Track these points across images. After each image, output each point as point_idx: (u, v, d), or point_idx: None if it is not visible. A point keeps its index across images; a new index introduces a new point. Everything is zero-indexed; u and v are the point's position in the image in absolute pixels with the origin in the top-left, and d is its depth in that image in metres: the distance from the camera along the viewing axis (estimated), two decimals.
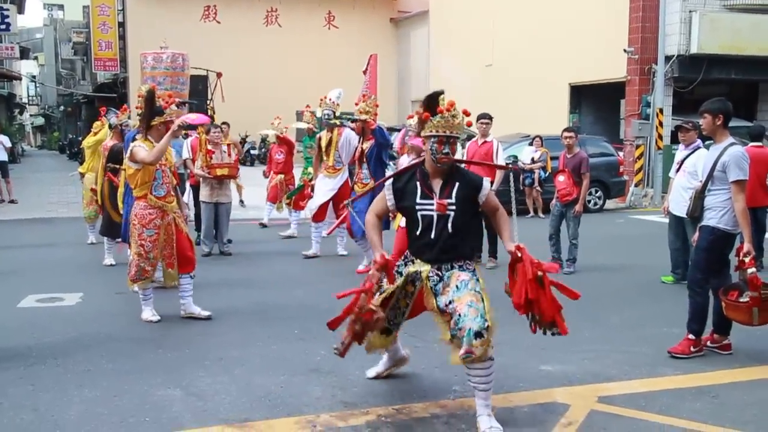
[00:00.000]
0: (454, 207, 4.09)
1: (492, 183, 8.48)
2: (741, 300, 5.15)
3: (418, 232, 4.17)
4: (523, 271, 4.03)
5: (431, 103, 4.10)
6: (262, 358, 5.27)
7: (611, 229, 12.73)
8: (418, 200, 4.15)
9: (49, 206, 15.57)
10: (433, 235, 4.12)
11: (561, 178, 8.65)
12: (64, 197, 17.33)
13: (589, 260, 8.88)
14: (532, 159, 14.26)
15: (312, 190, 9.62)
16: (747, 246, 5.08)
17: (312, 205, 9.49)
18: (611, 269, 8.85)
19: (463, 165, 4.43)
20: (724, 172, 5.18)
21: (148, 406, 4.35)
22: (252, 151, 27.15)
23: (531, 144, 14.58)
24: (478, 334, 3.80)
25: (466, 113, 4.21)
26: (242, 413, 4.26)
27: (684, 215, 6.74)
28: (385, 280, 4.15)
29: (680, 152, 7.76)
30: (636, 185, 16.96)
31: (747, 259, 5.06)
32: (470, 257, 4.23)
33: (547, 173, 13.98)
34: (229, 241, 9.69)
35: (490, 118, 8.90)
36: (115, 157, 8.10)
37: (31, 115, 69.52)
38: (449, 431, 4.04)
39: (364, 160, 8.32)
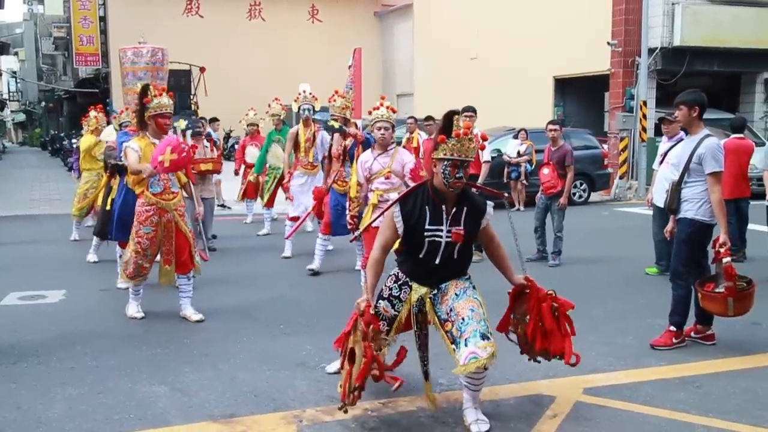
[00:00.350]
0: (463, 233, 3.95)
1: (477, 177, 8.68)
2: (716, 291, 5.19)
3: (420, 256, 3.98)
4: (537, 304, 4.04)
5: (447, 123, 3.85)
6: (247, 354, 5.25)
7: (596, 222, 12.80)
8: (427, 225, 3.91)
9: (31, 203, 15.44)
10: (438, 261, 3.96)
11: (545, 170, 8.67)
12: (46, 194, 17.19)
13: (574, 253, 8.92)
14: (518, 152, 14.28)
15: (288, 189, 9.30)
16: (723, 237, 5.12)
17: (296, 211, 9.02)
18: (596, 261, 8.90)
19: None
20: (700, 164, 5.22)
21: (133, 403, 4.33)
22: (236, 146, 27.02)
23: (516, 137, 14.60)
24: (484, 336, 3.74)
25: (485, 137, 4.14)
26: (228, 409, 4.24)
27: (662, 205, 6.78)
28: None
29: (664, 144, 7.79)
30: (620, 177, 17.04)
31: (722, 250, 5.10)
32: (466, 272, 4.15)
33: (533, 166, 14.02)
34: (214, 237, 9.64)
35: (474, 111, 8.87)
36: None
37: (12, 111, 68.77)
38: (435, 424, 4.04)
39: (347, 157, 8.03)
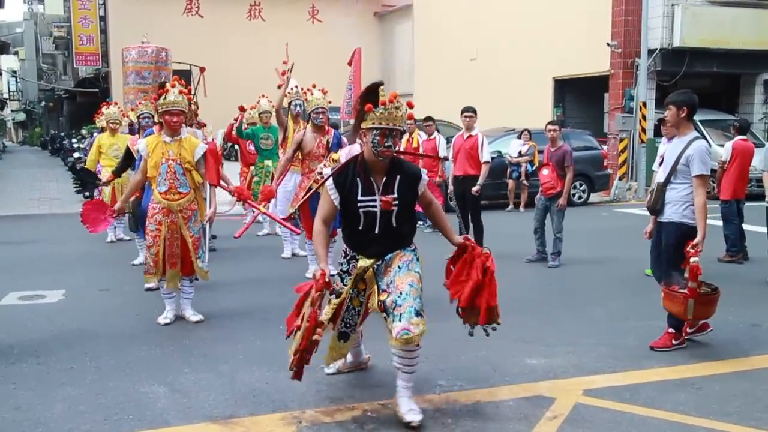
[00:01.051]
0: (397, 202, 4.03)
1: (477, 178, 8.68)
2: (679, 291, 5.10)
3: (360, 228, 4.08)
4: (472, 260, 4.15)
5: (371, 95, 3.99)
6: (246, 355, 5.25)
7: (595, 223, 12.80)
8: (359, 196, 4.02)
9: (31, 203, 15.42)
10: (377, 231, 4.05)
11: (545, 171, 8.67)
12: (46, 194, 17.17)
13: (574, 253, 8.91)
14: (520, 152, 14.29)
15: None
16: (698, 239, 5.06)
17: (283, 212, 8.63)
18: (595, 262, 8.90)
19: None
20: (687, 166, 5.20)
21: (132, 404, 4.32)
22: (236, 146, 26.98)
23: (519, 137, 14.61)
24: (418, 313, 3.84)
25: (410, 105, 4.17)
26: (227, 409, 4.23)
27: None
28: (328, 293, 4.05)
29: (663, 145, 7.79)
30: (620, 178, 17.05)
31: (692, 250, 5.02)
32: (411, 242, 4.22)
33: (534, 167, 14.04)
34: (213, 237, 9.61)
35: (474, 111, 8.89)
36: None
37: (12, 111, 68.74)
38: (435, 425, 4.03)
39: (328, 155, 7.65)
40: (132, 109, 8.52)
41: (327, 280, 3.86)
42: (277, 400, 4.37)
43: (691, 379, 4.76)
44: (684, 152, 5.23)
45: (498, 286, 4.18)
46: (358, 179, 4.03)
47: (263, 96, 10.79)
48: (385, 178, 4.03)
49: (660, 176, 6.95)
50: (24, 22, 58.76)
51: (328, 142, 7.63)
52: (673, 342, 5.36)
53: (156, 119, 6.53)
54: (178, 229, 5.88)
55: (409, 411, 3.97)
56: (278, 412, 4.21)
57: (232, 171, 12.40)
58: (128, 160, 7.56)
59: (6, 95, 62.21)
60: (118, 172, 7.77)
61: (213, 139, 9.02)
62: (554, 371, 4.86)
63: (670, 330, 5.39)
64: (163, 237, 5.87)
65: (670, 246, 5.35)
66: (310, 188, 7.66)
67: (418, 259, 4.13)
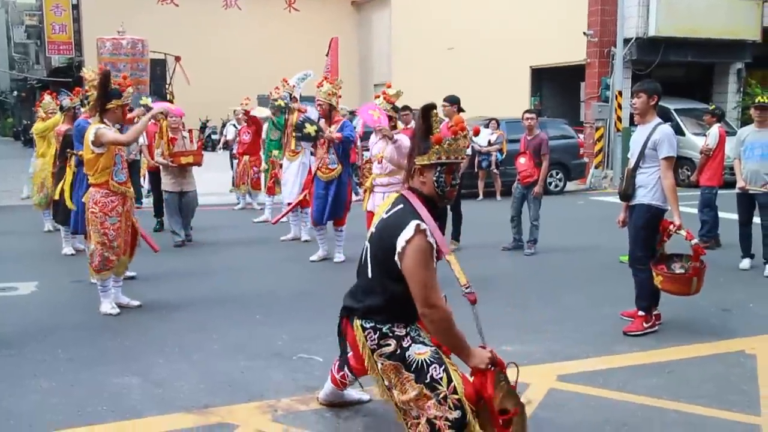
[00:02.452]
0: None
1: None
2: (677, 271, 5.34)
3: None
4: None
5: (427, 120, 3.20)
6: (222, 344, 5.22)
7: (571, 211, 12.89)
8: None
9: (3, 194, 15.18)
10: None
11: (522, 160, 8.70)
12: (19, 185, 16.88)
13: (550, 241, 8.97)
14: (489, 142, 14.33)
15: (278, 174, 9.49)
16: (678, 220, 5.27)
17: (291, 197, 9.07)
18: (571, 250, 8.96)
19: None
20: (654, 150, 5.36)
21: (106, 395, 4.28)
22: (213, 136, 26.81)
23: (487, 126, 14.64)
24: None
25: (477, 132, 3.83)
26: (202, 399, 4.21)
27: None
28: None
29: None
30: (596, 167, 17.19)
31: (684, 233, 5.24)
32: None
33: (504, 155, 14.10)
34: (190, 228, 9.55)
35: (451, 101, 8.83)
36: (69, 143, 7.63)
37: None
38: None
39: (331, 145, 7.90)
40: (70, 99, 8.46)
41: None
42: (253, 389, 4.36)
43: (663, 364, 4.82)
44: (650, 137, 5.39)
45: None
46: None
47: (276, 89, 10.84)
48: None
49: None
50: None
51: (331, 132, 7.81)
52: (645, 325, 5.45)
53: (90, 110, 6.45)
54: (130, 216, 6.02)
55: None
56: (254, 401, 4.19)
57: (212, 162, 12.40)
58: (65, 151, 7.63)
59: None
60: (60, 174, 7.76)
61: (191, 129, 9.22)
62: (529, 357, 4.89)
63: (640, 313, 5.48)
64: (124, 228, 5.91)
65: (639, 228, 5.47)
66: (316, 176, 7.99)
67: None
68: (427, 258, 2.99)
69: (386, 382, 3.15)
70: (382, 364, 3.13)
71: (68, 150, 7.59)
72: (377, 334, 3.14)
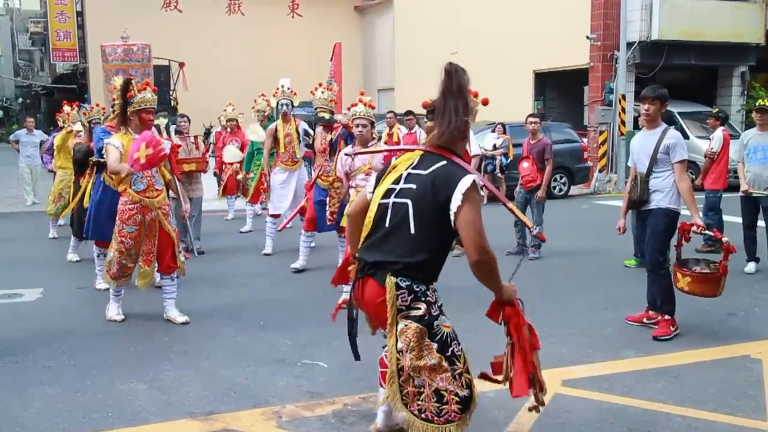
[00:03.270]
0: None
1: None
2: (702, 272, 5.37)
3: None
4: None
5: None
6: (227, 351, 5.23)
7: (576, 215, 12.88)
8: None
9: (8, 201, 15.23)
10: None
11: (525, 164, 8.70)
12: (23, 191, 16.92)
13: (554, 246, 8.94)
14: (494, 146, 14.34)
15: (267, 184, 9.15)
16: (699, 221, 5.32)
17: (277, 209, 8.90)
18: (575, 254, 8.95)
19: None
20: (667, 154, 5.40)
21: (111, 401, 4.29)
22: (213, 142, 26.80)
23: (493, 131, 14.65)
24: None
25: (486, 102, 3.89)
26: (207, 405, 4.22)
27: None
28: None
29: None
30: (600, 171, 17.15)
31: (710, 232, 5.39)
32: None
33: (509, 160, 14.10)
34: (197, 238, 9.47)
35: None
36: (83, 157, 7.52)
37: None
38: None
39: (331, 151, 7.73)
40: (84, 113, 8.43)
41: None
42: (257, 396, 4.36)
43: (668, 368, 4.81)
44: (662, 142, 5.41)
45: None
46: None
47: (262, 95, 10.75)
48: None
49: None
50: (0, 17, 57.95)
51: (330, 139, 7.70)
52: (671, 329, 5.46)
53: (109, 117, 6.44)
54: (157, 226, 5.82)
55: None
56: (258, 407, 4.20)
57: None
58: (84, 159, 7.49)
59: None
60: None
61: (195, 136, 9.05)
62: None
63: (666, 317, 5.48)
64: (142, 237, 5.79)
65: (659, 232, 5.46)
66: (316, 184, 7.84)
67: None
68: (480, 208, 3.11)
69: (401, 345, 3.10)
70: (405, 325, 3.09)
71: (90, 158, 7.58)
72: (411, 296, 3.10)
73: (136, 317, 6.07)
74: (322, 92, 8.08)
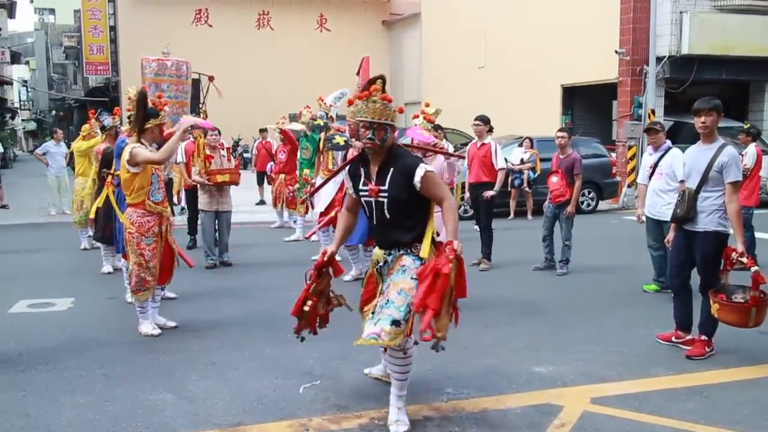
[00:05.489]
0: (386, 193, 4.05)
1: (491, 184, 8.68)
2: (736, 300, 5.13)
3: (367, 217, 4.25)
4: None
5: (367, 87, 4.13)
6: (254, 362, 5.26)
7: (604, 231, 12.76)
8: (360, 186, 4.18)
9: (41, 211, 15.51)
10: (375, 221, 4.17)
11: (554, 179, 8.66)
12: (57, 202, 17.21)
13: (582, 261, 8.89)
14: (521, 160, 14.31)
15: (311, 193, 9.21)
16: (741, 247, 5.09)
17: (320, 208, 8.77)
18: (604, 270, 8.86)
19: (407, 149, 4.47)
20: (720, 173, 5.16)
21: (140, 411, 4.33)
22: (245, 155, 27.10)
23: (521, 145, 14.63)
24: (396, 323, 3.81)
25: (387, 99, 4.11)
26: (235, 417, 4.24)
27: (665, 218, 6.61)
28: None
29: (649, 156, 7.44)
30: (629, 186, 16.98)
31: (745, 260, 5.06)
32: (410, 245, 4.09)
33: (536, 174, 14.04)
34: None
35: (483, 120, 8.87)
36: (108, 162, 7.68)
37: (23, 120, 69.19)
38: None
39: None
40: (112, 118, 8.64)
41: (326, 259, 4.26)
42: (285, 408, 4.38)
43: (699, 387, 4.74)
44: (716, 159, 5.18)
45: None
46: (362, 168, 4.19)
47: (307, 107, 10.92)
48: (379, 169, 4.11)
49: (663, 185, 6.89)
50: (35, 32, 59.31)
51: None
52: (707, 350, 5.36)
53: (125, 127, 6.58)
54: (164, 238, 5.95)
55: (396, 422, 3.99)
56: (286, 419, 4.21)
57: (246, 179, 12.58)
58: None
59: (17, 105, 62.65)
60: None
61: (228, 147, 9.19)
62: (562, 379, 4.84)
63: (703, 338, 5.38)
64: (160, 248, 5.89)
65: (709, 256, 5.28)
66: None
67: (417, 267, 3.98)
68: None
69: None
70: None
71: (104, 170, 7.69)
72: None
73: (164, 329, 6.12)
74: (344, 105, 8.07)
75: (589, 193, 15.06)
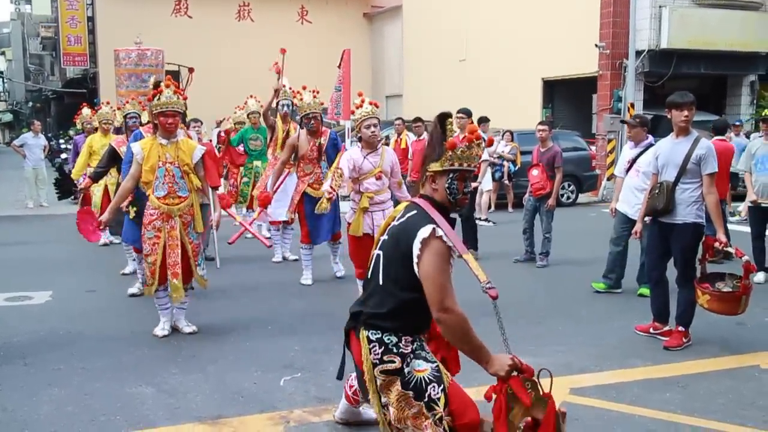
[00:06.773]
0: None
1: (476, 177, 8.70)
2: (725, 290, 5.26)
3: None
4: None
5: (443, 127, 3.17)
6: (235, 356, 5.24)
7: (584, 223, 12.85)
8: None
9: (18, 204, 15.32)
10: None
11: (535, 172, 8.69)
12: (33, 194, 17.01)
13: (562, 254, 8.96)
14: (499, 154, 14.33)
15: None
16: (723, 237, 5.21)
17: (277, 216, 8.27)
18: (583, 263, 8.93)
19: None
20: (697, 165, 5.24)
21: (120, 405, 4.31)
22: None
23: (501, 138, 14.67)
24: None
25: (491, 142, 3.57)
26: (215, 410, 4.23)
27: (633, 216, 6.57)
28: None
29: (629, 150, 7.28)
30: (608, 179, 17.10)
31: (732, 250, 5.25)
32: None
33: (517, 167, 14.10)
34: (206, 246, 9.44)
35: (466, 113, 8.86)
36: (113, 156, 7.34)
37: None
38: None
39: (323, 158, 7.53)
40: (119, 108, 8.18)
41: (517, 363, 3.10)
42: (265, 401, 4.37)
43: (676, 378, 4.80)
44: (693, 151, 5.25)
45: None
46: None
47: (251, 96, 10.74)
48: None
49: (638, 183, 6.90)
50: (11, 22, 58.39)
51: (320, 144, 7.48)
52: (684, 340, 5.43)
53: (143, 120, 6.42)
54: (178, 236, 5.52)
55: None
56: (266, 412, 4.21)
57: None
58: (111, 163, 7.37)
59: None
60: (96, 178, 7.53)
61: (209, 140, 8.84)
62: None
63: (680, 329, 5.45)
64: (162, 244, 5.51)
65: (687, 247, 5.36)
66: (306, 194, 7.50)
67: None
68: (444, 261, 2.96)
69: (383, 399, 3.11)
70: (382, 380, 3.09)
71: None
72: (382, 349, 3.08)
73: (143, 321, 6.08)
74: (312, 96, 7.53)
75: (569, 186, 15.16)
